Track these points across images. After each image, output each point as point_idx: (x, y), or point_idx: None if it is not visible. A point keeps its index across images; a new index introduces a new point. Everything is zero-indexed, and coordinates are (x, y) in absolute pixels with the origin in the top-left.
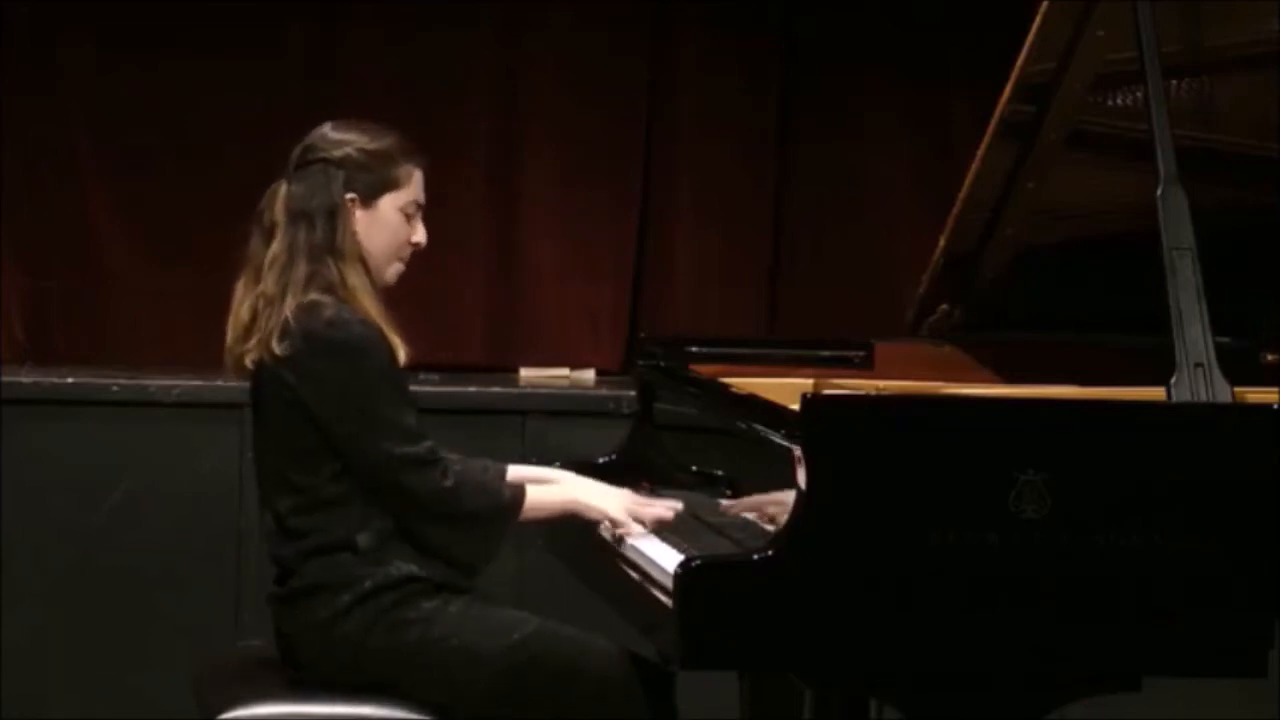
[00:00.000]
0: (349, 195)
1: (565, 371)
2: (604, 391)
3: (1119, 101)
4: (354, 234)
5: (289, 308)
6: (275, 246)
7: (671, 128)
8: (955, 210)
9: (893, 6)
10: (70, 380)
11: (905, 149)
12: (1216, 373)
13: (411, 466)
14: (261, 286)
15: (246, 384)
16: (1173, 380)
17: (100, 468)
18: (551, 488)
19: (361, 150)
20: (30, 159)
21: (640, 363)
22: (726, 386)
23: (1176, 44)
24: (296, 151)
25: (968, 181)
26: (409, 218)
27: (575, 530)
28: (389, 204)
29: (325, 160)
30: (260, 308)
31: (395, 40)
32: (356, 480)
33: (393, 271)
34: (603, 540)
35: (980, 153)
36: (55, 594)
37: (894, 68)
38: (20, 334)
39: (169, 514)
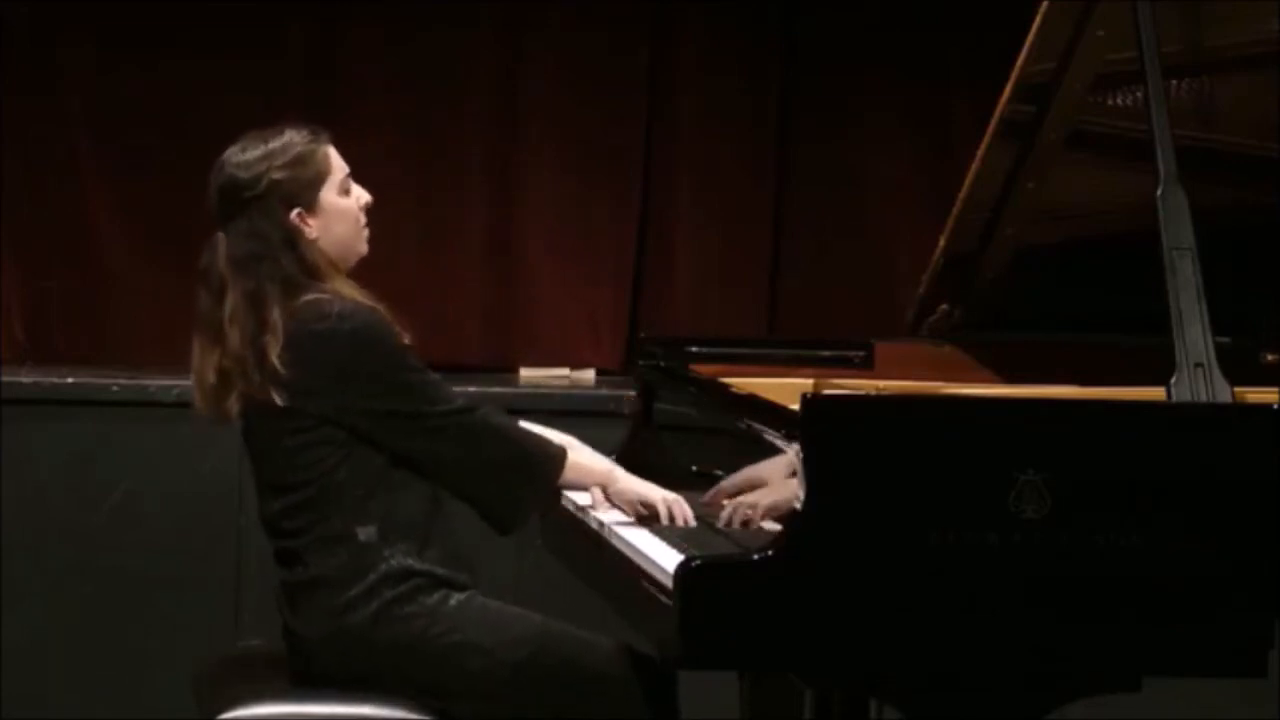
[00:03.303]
0: (294, 212)
1: (565, 371)
2: (604, 391)
3: (1119, 101)
4: (316, 243)
5: (272, 345)
6: (231, 301)
7: (671, 128)
8: (955, 210)
9: (893, 6)
10: (70, 380)
11: (905, 149)
12: (1216, 373)
13: (464, 414)
14: (228, 346)
15: None
16: (1173, 380)
17: (100, 468)
18: (596, 458)
19: (279, 166)
20: (30, 159)
21: (640, 363)
22: (726, 386)
23: (1176, 44)
24: (214, 197)
25: (968, 181)
26: (347, 191)
27: (572, 528)
28: (329, 195)
29: (251, 196)
30: (229, 366)
31: (395, 40)
32: (390, 459)
33: (362, 242)
34: (592, 530)
35: (980, 153)
36: (55, 594)
37: (894, 68)
38: (20, 334)
39: (169, 514)
